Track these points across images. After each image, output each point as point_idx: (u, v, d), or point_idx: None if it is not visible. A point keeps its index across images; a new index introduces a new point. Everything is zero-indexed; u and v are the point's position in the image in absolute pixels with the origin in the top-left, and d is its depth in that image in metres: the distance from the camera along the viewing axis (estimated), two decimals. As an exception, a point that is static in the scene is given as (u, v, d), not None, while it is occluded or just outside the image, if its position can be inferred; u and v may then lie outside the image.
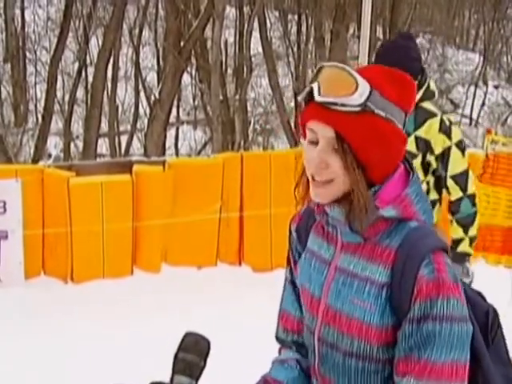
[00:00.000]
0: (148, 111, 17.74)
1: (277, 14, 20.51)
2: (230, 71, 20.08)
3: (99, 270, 6.64)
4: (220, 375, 4.47)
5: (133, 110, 19.96)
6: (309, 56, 19.36)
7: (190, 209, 6.87)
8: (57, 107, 18.61)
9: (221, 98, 16.25)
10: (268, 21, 19.85)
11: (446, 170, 3.75)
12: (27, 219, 6.37)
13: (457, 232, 3.81)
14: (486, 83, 23.93)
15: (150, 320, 5.96)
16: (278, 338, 1.95)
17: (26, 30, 20.47)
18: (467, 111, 23.00)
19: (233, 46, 20.06)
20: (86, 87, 18.32)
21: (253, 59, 19.48)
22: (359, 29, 11.53)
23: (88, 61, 18.83)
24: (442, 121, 3.75)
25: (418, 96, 3.68)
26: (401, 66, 3.75)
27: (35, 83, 20.34)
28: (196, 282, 6.85)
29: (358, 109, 1.54)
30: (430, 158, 3.76)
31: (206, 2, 14.52)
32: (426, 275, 1.54)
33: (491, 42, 23.84)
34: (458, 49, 26.41)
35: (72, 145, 18.81)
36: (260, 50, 18.82)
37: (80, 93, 19.01)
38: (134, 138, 19.12)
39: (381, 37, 19.40)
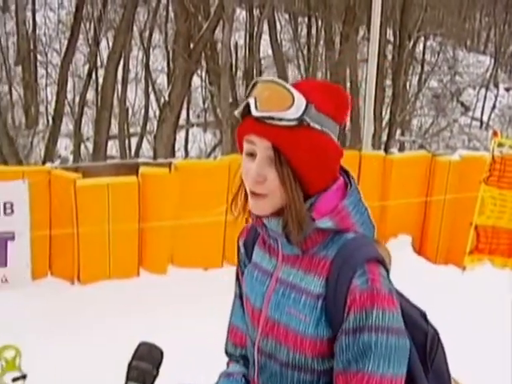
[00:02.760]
0: (158, 113, 17.80)
1: (287, 16, 20.51)
2: (240, 74, 20.09)
3: (105, 271, 6.66)
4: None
5: (143, 112, 20.02)
6: (319, 59, 19.36)
7: (196, 210, 6.87)
8: (67, 109, 18.71)
9: (230, 100, 16.27)
10: (278, 23, 19.89)
11: None
12: (34, 220, 6.38)
13: None
14: (496, 86, 23.90)
15: (155, 321, 5.97)
16: (226, 352, 1.96)
17: (37, 32, 20.59)
18: (478, 114, 22.97)
19: (243, 49, 20.09)
20: (97, 89, 18.38)
21: (262, 61, 19.51)
22: (369, 31, 11.51)
23: (98, 63, 18.90)
24: None
25: None
26: None
27: (46, 85, 20.44)
28: (202, 283, 6.85)
29: (294, 123, 1.54)
30: None
31: (216, 4, 14.54)
32: (360, 285, 1.53)
33: (502, 44, 23.81)
34: (469, 51, 26.35)
35: (82, 147, 18.90)
36: (270, 52, 18.85)
37: (91, 95, 19.09)
38: (144, 140, 19.19)
39: (391, 39, 19.36)
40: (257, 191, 1.60)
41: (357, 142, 14.58)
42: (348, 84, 16.65)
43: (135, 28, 19.49)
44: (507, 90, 24.64)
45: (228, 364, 1.96)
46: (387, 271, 1.60)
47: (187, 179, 6.88)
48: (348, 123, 14.67)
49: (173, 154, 16.34)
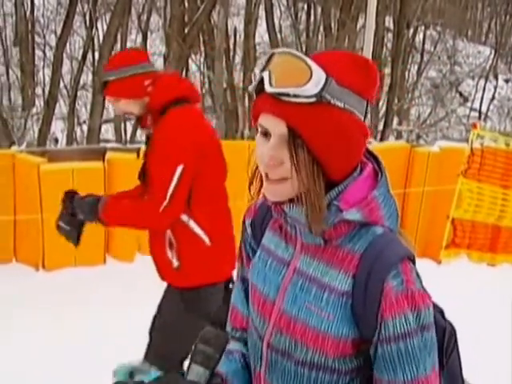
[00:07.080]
0: (153, 98, 17.65)
1: (285, 2, 20.36)
2: (238, 59, 19.94)
3: (71, 257, 6.55)
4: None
5: (140, 96, 19.86)
6: (317, 46, 19.22)
7: (165, 198, 6.77)
8: (64, 92, 18.63)
9: (225, 85, 16.14)
10: (278, 9, 19.75)
11: None
12: (-1, 205, 6.31)
13: None
14: (496, 77, 23.76)
15: (121, 310, 5.91)
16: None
17: (35, 13, 20.44)
18: (476, 105, 22.80)
19: (242, 34, 19.92)
20: (93, 72, 18.25)
21: (258, 47, 19.34)
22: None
23: (96, 46, 18.76)
24: None
25: None
26: None
27: (43, 67, 20.34)
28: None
29: (312, 100, 1.37)
30: None
31: (212, -13, 14.35)
32: (395, 287, 1.42)
33: (503, 35, 23.62)
34: (469, 41, 26.15)
35: (78, 130, 18.81)
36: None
37: (89, 78, 19.00)
38: (140, 124, 19.06)
39: (391, 27, 19.16)
40: (272, 177, 1.44)
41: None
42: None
43: (133, 11, 19.35)
44: (506, 81, 24.50)
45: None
46: (414, 264, 1.50)
47: (156, 166, 6.74)
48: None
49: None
